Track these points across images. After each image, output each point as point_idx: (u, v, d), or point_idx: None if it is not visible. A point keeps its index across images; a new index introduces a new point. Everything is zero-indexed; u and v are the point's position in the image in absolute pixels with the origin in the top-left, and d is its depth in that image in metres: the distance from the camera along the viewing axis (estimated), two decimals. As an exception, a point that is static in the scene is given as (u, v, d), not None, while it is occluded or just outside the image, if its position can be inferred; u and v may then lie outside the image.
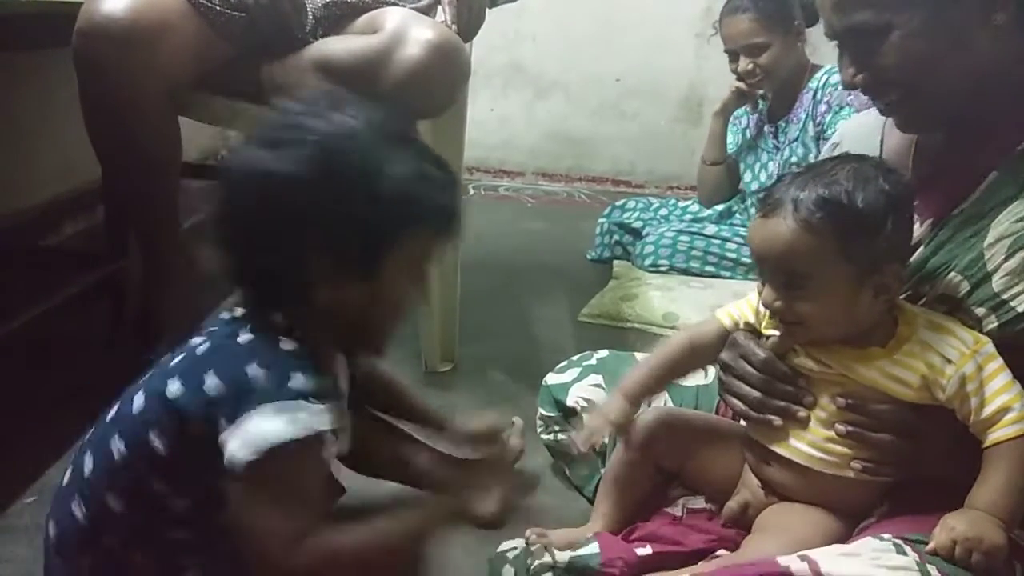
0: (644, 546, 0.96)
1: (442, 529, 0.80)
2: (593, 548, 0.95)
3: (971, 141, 0.88)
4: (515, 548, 0.97)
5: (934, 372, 0.85)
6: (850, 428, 0.87)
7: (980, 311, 0.87)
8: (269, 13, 1.37)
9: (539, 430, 1.27)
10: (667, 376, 1.05)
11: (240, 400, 0.68)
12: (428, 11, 1.51)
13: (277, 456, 0.66)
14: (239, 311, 0.78)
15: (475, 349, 1.57)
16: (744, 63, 2.05)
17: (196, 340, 0.77)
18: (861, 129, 1.03)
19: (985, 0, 0.80)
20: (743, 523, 0.97)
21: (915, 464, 0.87)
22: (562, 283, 2.19)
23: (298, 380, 0.69)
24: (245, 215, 0.73)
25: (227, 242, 0.75)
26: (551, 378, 1.25)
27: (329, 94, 0.78)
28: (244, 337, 0.73)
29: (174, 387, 0.72)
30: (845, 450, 0.89)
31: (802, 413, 0.91)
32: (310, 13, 1.45)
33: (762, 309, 0.96)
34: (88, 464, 0.76)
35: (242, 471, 0.66)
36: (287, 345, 0.72)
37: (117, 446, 0.74)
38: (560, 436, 1.24)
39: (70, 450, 1.23)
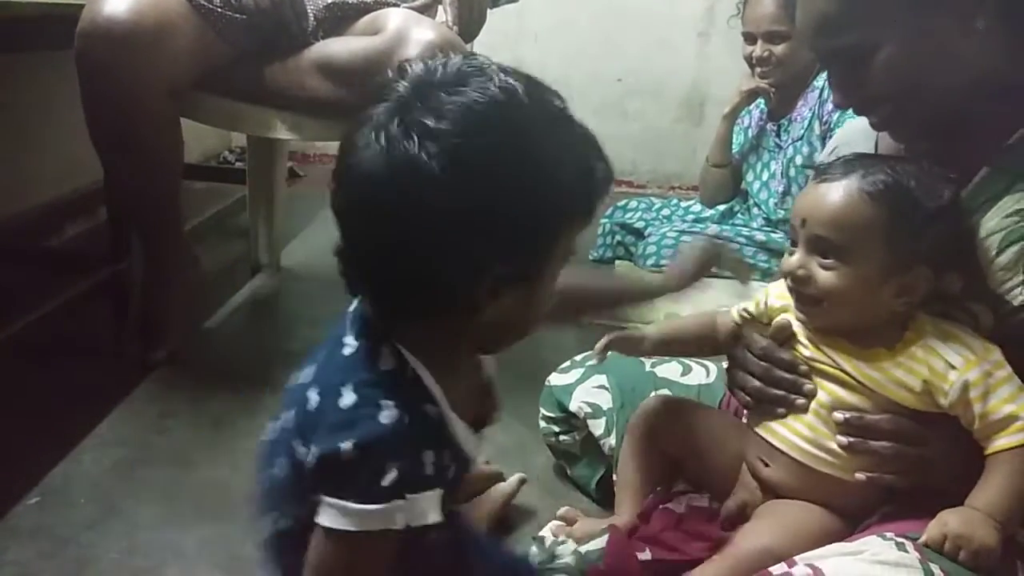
0: (644, 550, 0.97)
1: None
2: (600, 543, 0.97)
3: (960, 141, 0.89)
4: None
5: (936, 377, 0.84)
6: (851, 439, 0.86)
7: (976, 307, 0.87)
8: (270, 17, 1.38)
9: (542, 431, 1.27)
10: (686, 337, 1.06)
11: (332, 430, 0.62)
12: (428, 11, 1.52)
13: (341, 537, 0.61)
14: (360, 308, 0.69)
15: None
16: (761, 48, 2.05)
17: (337, 334, 0.68)
18: (856, 133, 1.03)
19: (965, 8, 0.80)
20: (741, 523, 0.97)
21: (922, 471, 0.86)
22: (564, 283, 2.18)
23: (387, 414, 0.61)
24: (389, 222, 0.60)
25: (365, 248, 0.63)
26: (554, 378, 1.25)
27: (467, 60, 0.62)
28: (349, 343, 0.66)
29: (314, 396, 0.65)
30: (844, 453, 0.88)
31: (801, 401, 0.90)
32: (311, 14, 1.45)
33: (767, 300, 0.97)
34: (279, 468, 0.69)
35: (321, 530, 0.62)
36: (385, 363, 0.64)
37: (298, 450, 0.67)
38: (563, 437, 1.24)
39: (72, 451, 1.24)
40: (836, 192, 0.85)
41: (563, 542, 1.00)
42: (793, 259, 0.89)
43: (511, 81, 0.61)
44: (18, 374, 1.40)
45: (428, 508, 0.63)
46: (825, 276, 0.86)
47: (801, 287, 0.88)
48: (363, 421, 0.61)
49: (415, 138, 0.58)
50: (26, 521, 1.09)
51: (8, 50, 1.63)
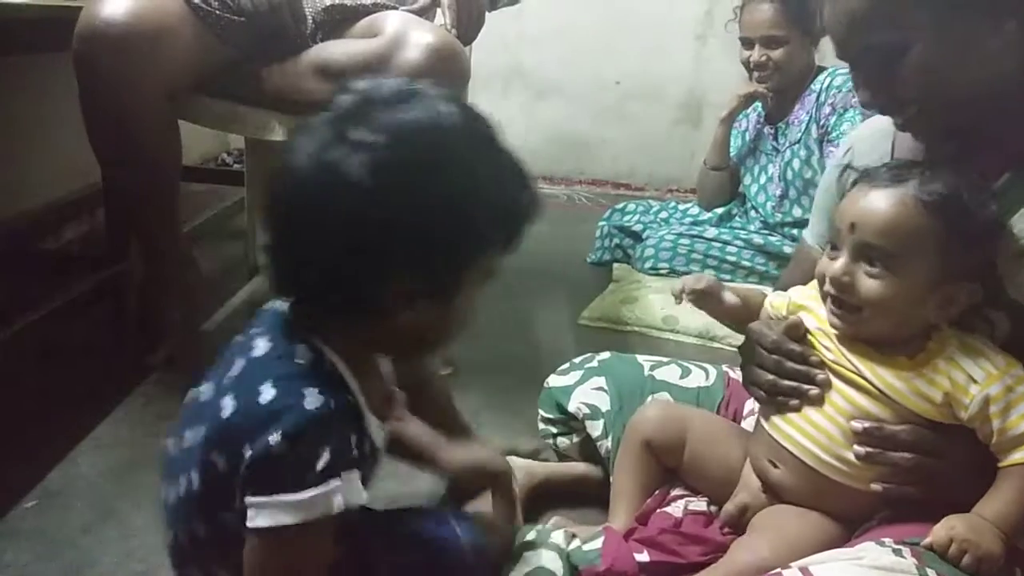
0: (641, 551, 0.96)
1: None
2: (596, 544, 0.97)
3: (982, 145, 0.88)
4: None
5: (957, 390, 0.83)
6: (869, 450, 0.86)
7: (993, 314, 0.86)
8: (268, 19, 1.38)
9: (540, 432, 1.27)
10: (751, 306, 1.03)
11: (258, 428, 0.63)
12: (426, 14, 1.52)
13: (282, 534, 0.62)
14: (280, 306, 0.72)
15: (475, 352, 1.57)
16: (759, 53, 2.06)
17: (244, 341, 0.72)
18: (872, 136, 1.02)
19: (995, 9, 0.80)
20: (741, 526, 0.97)
21: (938, 483, 0.86)
22: (562, 286, 2.19)
23: (311, 400, 0.63)
24: (313, 222, 0.63)
25: (289, 247, 0.67)
26: (553, 380, 1.25)
27: (410, 83, 0.67)
28: (259, 346, 0.68)
29: (228, 404, 0.66)
30: (861, 463, 0.87)
31: (814, 392, 0.89)
32: (309, 17, 1.45)
33: (784, 299, 0.96)
34: (183, 485, 0.71)
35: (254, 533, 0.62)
36: (302, 357, 0.67)
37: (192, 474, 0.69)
38: (560, 439, 1.24)
39: (71, 454, 1.24)
40: (890, 199, 0.83)
41: (558, 529, 1.01)
42: (837, 264, 0.86)
43: (449, 108, 0.65)
44: (15, 376, 1.40)
45: (358, 488, 0.64)
46: (870, 284, 0.85)
47: (843, 294, 0.86)
48: (288, 411, 0.62)
49: (345, 145, 0.61)
50: (23, 524, 1.09)
51: (6, 52, 1.63)
